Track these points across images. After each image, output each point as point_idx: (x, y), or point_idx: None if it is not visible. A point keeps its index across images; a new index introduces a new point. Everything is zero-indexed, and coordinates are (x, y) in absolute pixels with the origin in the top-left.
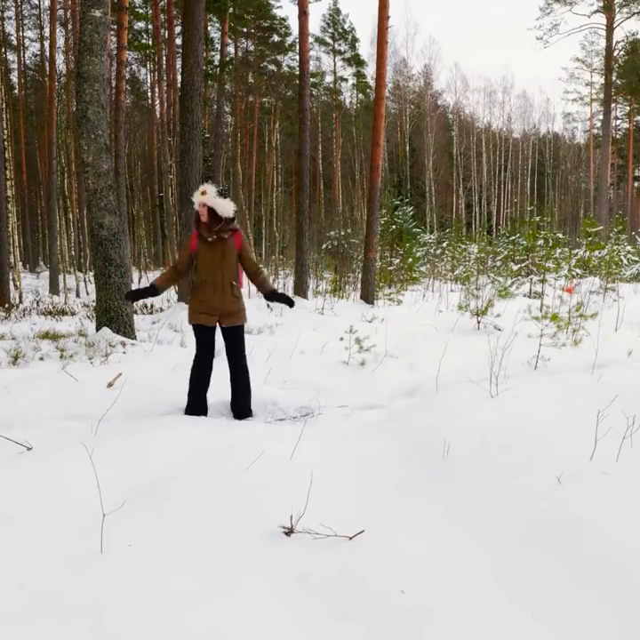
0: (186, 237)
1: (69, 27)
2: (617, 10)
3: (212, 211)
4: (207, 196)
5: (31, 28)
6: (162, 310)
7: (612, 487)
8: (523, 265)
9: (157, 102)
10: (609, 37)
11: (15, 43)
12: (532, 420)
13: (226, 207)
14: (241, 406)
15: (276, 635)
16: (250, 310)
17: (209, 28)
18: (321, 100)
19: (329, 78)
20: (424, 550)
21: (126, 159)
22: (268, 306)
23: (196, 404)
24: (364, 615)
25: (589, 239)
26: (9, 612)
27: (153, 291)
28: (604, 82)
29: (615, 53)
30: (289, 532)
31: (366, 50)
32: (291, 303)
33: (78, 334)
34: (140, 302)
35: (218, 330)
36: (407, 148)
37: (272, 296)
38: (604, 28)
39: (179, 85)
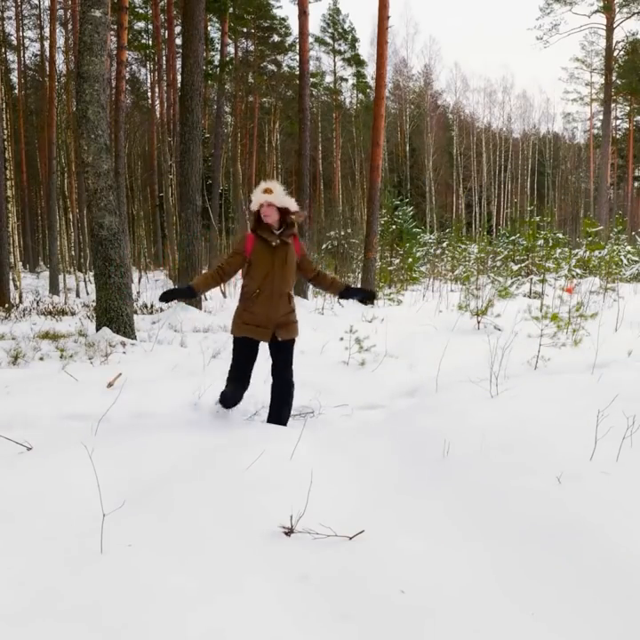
0: (237, 239)
1: (69, 27)
2: (617, 10)
3: (281, 211)
4: (275, 195)
5: (31, 27)
6: (162, 310)
7: (612, 487)
8: (523, 265)
9: (157, 102)
10: (609, 37)
11: (15, 43)
12: (532, 420)
13: (294, 207)
14: (282, 418)
15: (277, 634)
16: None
17: (209, 27)
18: (321, 100)
19: (329, 78)
20: (424, 550)
21: (126, 159)
22: (339, 302)
23: (229, 403)
24: (364, 615)
25: (589, 239)
26: (9, 611)
27: (190, 292)
28: (603, 82)
29: (615, 53)
30: (289, 531)
31: (366, 50)
32: (373, 295)
33: (78, 334)
34: (140, 302)
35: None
36: (407, 147)
37: (350, 292)
38: (604, 27)
39: (179, 85)
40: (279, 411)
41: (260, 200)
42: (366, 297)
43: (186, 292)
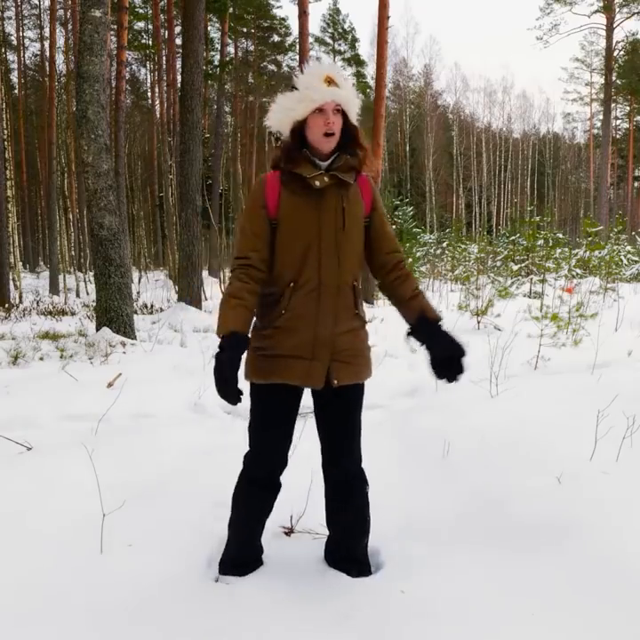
0: (251, 191)
1: (69, 27)
2: (617, 10)
3: (346, 122)
4: (345, 89)
5: (31, 27)
6: (162, 310)
7: (612, 487)
8: (523, 265)
9: (157, 102)
10: (609, 37)
11: (15, 43)
12: (532, 420)
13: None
14: (354, 551)
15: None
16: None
17: (209, 27)
18: None
19: None
20: (425, 553)
21: (126, 159)
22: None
23: (246, 556)
24: (363, 615)
25: (589, 239)
26: (11, 612)
27: (242, 343)
28: (603, 82)
29: (615, 53)
30: (289, 531)
31: (366, 50)
32: (461, 353)
33: (78, 334)
34: (140, 302)
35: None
36: (407, 147)
37: (433, 334)
38: (604, 28)
39: (179, 85)
40: (349, 532)
41: (318, 98)
42: (458, 356)
43: (239, 350)
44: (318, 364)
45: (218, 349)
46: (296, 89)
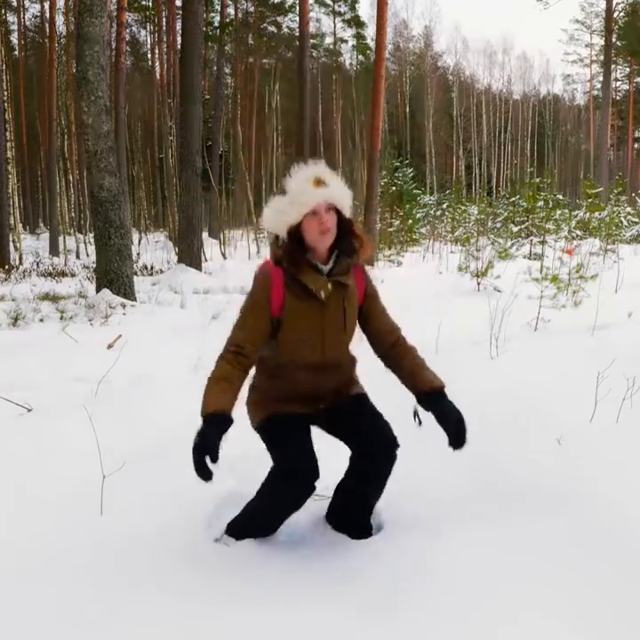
0: (254, 280)
1: None
2: None
3: (340, 217)
4: (333, 187)
5: None
6: (162, 272)
7: (612, 449)
8: (523, 226)
9: (157, 64)
10: None
11: (15, 4)
12: (531, 382)
13: (349, 198)
14: (360, 517)
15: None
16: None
17: None
18: (321, 61)
19: (329, 40)
20: (424, 513)
21: (126, 121)
22: (416, 417)
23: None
24: (366, 576)
25: (589, 201)
26: (10, 574)
27: (228, 423)
28: (603, 43)
29: (615, 15)
30: None
31: (366, 11)
32: (463, 434)
33: (78, 296)
34: (140, 264)
35: None
36: (407, 109)
37: (436, 403)
38: None
39: (178, 47)
40: (361, 508)
41: (310, 201)
42: (459, 437)
43: (222, 428)
44: (321, 401)
45: (200, 427)
46: (286, 193)
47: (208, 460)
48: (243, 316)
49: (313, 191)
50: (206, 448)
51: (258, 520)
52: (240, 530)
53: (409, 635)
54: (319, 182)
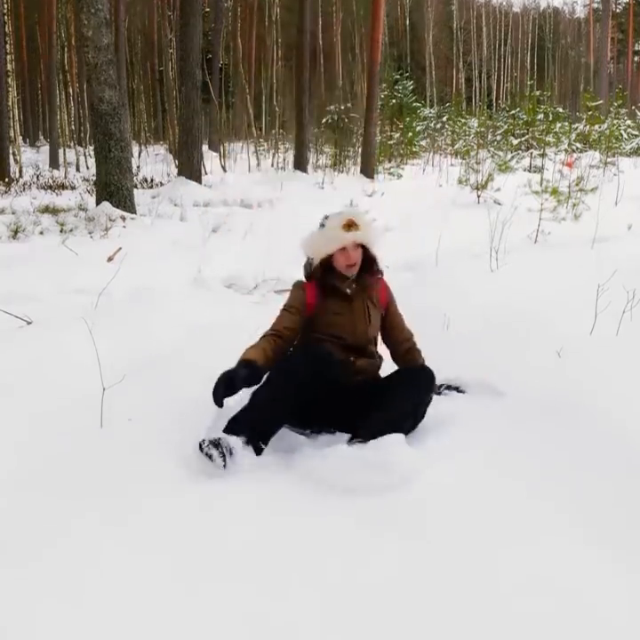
0: (292, 290)
1: None
2: None
3: (367, 251)
4: (364, 229)
5: None
6: (162, 184)
7: (611, 361)
8: (523, 139)
9: None
10: None
11: None
12: (531, 294)
13: (376, 230)
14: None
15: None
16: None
17: None
18: None
19: None
20: (422, 434)
21: (126, 33)
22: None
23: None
24: (362, 497)
25: (589, 113)
26: (10, 484)
27: (256, 372)
28: None
29: None
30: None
31: None
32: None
33: (78, 208)
34: (140, 176)
35: None
36: (407, 22)
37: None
38: None
39: None
40: (402, 414)
41: (341, 241)
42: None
43: (248, 371)
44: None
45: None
46: (324, 226)
47: (223, 390)
48: (280, 314)
49: (343, 235)
50: (225, 380)
51: (257, 410)
52: (241, 422)
53: (406, 547)
54: (351, 224)
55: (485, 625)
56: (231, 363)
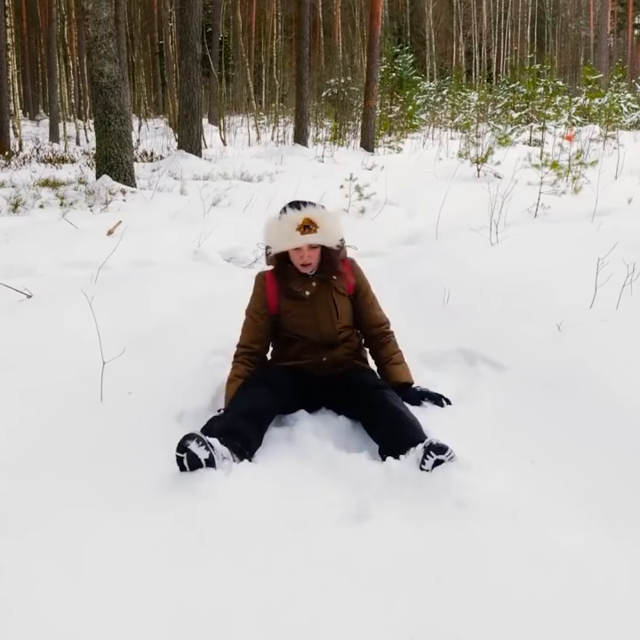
0: (254, 285)
1: None
2: None
3: (325, 250)
4: (323, 231)
5: None
6: (162, 158)
7: (611, 334)
8: (523, 113)
9: None
10: None
11: None
12: (531, 268)
13: (339, 227)
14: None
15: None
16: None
17: None
18: None
19: None
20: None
21: (126, 6)
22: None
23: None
24: (360, 472)
25: (589, 87)
26: (11, 458)
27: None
28: None
29: None
30: None
31: None
32: (439, 396)
33: (78, 182)
34: (140, 150)
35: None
36: None
37: (409, 393)
38: None
39: None
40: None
41: (295, 242)
42: (436, 398)
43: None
44: (321, 356)
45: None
46: (282, 216)
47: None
48: (245, 320)
49: (297, 237)
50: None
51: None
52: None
53: (403, 519)
54: (305, 229)
55: (491, 601)
56: (231, 336)
